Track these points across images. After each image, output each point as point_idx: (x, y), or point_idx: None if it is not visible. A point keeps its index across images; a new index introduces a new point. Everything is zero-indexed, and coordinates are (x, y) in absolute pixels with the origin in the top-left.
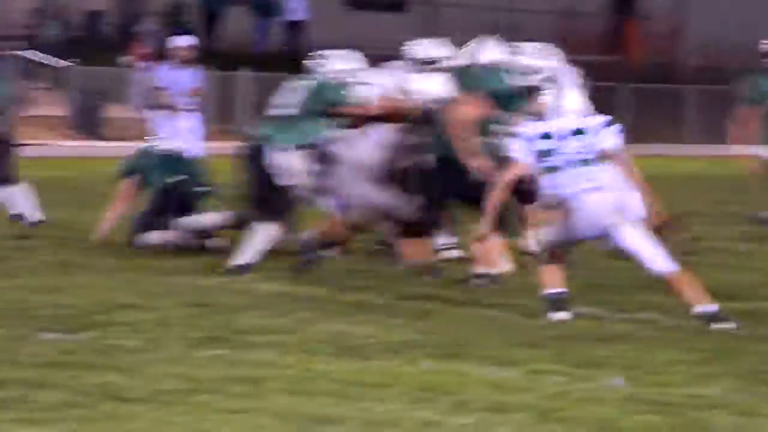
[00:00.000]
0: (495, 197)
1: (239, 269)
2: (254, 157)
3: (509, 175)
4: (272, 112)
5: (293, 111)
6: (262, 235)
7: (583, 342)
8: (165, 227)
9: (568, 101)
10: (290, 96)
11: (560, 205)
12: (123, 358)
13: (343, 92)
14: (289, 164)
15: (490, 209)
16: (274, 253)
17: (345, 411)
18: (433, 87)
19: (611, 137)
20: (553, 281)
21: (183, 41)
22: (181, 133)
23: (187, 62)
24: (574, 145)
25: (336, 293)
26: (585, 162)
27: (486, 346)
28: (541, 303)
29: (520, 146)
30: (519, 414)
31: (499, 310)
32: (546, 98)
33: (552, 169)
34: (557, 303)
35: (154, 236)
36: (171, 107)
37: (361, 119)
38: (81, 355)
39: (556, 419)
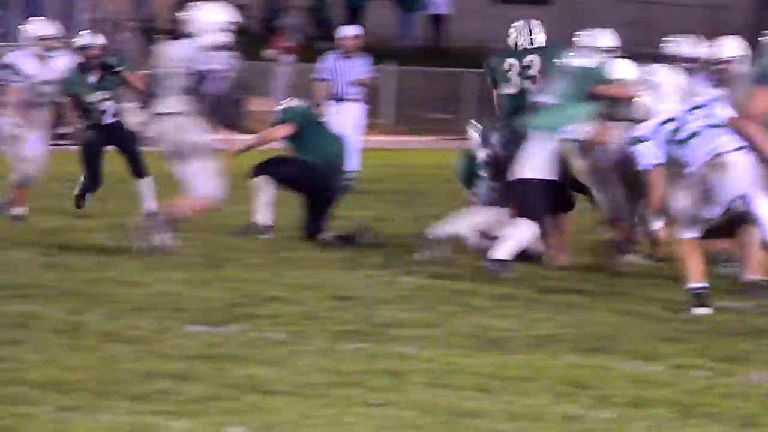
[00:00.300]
0: (658, 195)
1: (498, 265)
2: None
3: (655, 179)
4: (539, 99)
5: (558, 98)
6: (523, 232)
7: (727, 337)
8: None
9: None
10: (555, 82)
11: (696, 178)
12: (268, 351)
13: (606, 73)
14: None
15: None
16: (407, 246)
17: (487, 404)
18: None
19: (727, 108)
20: (696, 275)
21: (349, 31)
22: (345, 124)
23: (353, 52)
24: (700, 115)
25: (478, 286)
26: (716, 127)
27: (629, 340)
28: (685, 296)
29: (647, 149)
30: (661, 409)
31: (642, 303)
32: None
33: (686, 140)
34: (700, 298)
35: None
36: (335, 98)
37: (618, 100)
38: (226, 348)
39: (698, 415)
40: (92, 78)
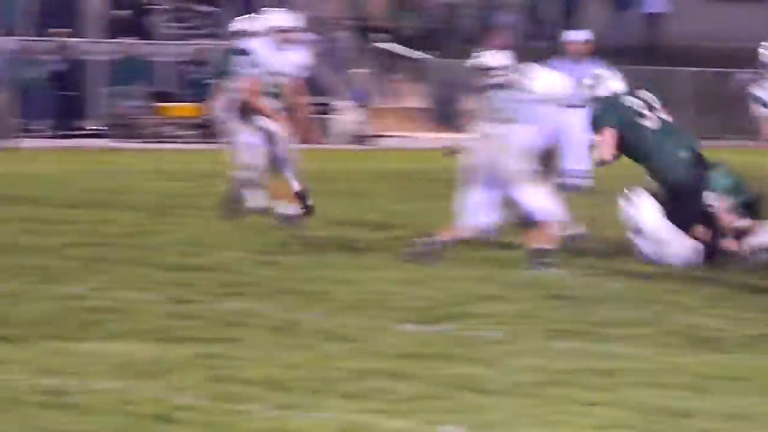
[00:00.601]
0: None
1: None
2: None
3: None
4: None
5: None
6: None
7: None
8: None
9: None
10: None
11: None
12: (481, 350)
13: None
14: None
15: None
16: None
17: (701, 404)
18: None
19: None
20: None
21: (579, 36)
22: (567, 128)
23: (580, 57)
24: None
25: (689, 286)
26: None
27: None
28: None
29: None
30: None
31: None
32: None
33: None
34: None
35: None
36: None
37: None
38: (439, 347)
39: None
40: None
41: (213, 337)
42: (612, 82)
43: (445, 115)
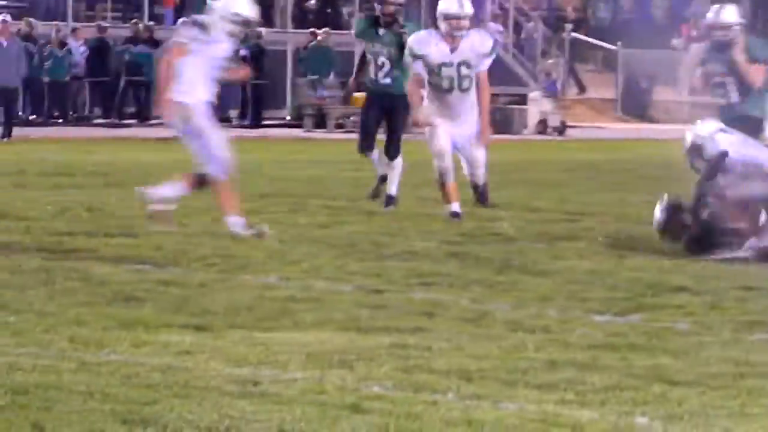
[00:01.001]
0: None
1: None
2: None
3: None
4: None
5: None
6: None
7: None
8: None
9: None
10: None
11: None
12: (673, 341)
13: None
14: None
15: None
16: None
17: None
18: None
19: None
20: None
21: None
22: None
23: None
24: None
25: None
26: None
27: None
28: None
29: None
30: None
31: None
32: None
33: None
34: None
35: None
36: None
37: None
38: (631, 338)
39: None
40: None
41: (404, 326)
42: None
43: (635, 105)
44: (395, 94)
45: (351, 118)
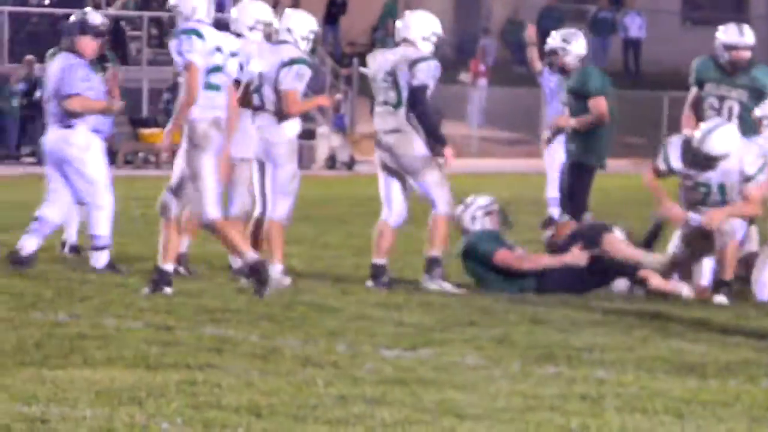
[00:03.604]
0: None
1: None
2: None
3: None
4: None
5: None
6: None
7: None
8: None
9: None
10: None
11: None
12: (462, 375)
13: None
14: None
15: None
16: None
17: (683, 430)
18: None
19: None
20: None
21: None
22: None
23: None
24: None
25: (672, 310)
26: None
27: None
28: None
29: None
30: None
31: None
32: None
33: None
34: None
35: None
36: None
37: None
38: (421, 372)
39: None
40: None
41: (193, 363)
42: None
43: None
44: None
45: (140, 154)
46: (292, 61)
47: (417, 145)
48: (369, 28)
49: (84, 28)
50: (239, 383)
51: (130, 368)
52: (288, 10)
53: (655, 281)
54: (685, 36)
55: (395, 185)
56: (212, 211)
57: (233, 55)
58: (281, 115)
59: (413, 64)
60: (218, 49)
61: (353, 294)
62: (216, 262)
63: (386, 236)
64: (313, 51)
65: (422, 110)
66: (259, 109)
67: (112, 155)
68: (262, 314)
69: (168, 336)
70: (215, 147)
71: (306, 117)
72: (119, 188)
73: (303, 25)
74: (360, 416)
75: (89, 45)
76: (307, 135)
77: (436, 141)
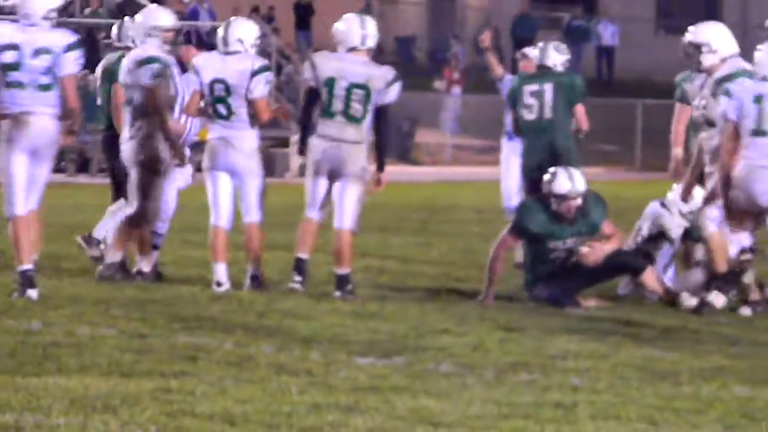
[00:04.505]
0: None
1: None
2: None
3: None
4: None
5: None
6: None
7: None
8: None
9: None
10: None
11: None
12: (436, 383)
13: None
14: None
15: None
16: None
17: None
18: None
19: None
20: None
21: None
22: None
23: None
24: None
25: (646, 318)
26: None
27: None
28: None
29: None
30: None
31: None
32: None
33: None
34: None
35: None
36: None
37: None
38: (395, 380)
39: None
40: None
41: (167, 371)
42: None
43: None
44: None
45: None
46: (262, 69)
47: (364, 156)
48: None
49: None
50: (213, 391)
51: (103, 376)
52: (231, 19)
53: (652, 283)
54: (658, 44)
55: (325, 188)
56: (10, 208)
57: (47, 51)
58: (252, 124)
59: (390, 84)
60: (12, 47)
61: (327, 302)
62: (191, 272)
63: (313, 234)
64: (287, 57)
65: (387, 128)
66: (223, 118)
67: None
68: (235, 322)
69: (142, 344)
70: (20, 143)
71: (280, 124)
72: (95, 196)
73: (251, 33)
74: (334, 424)
75: None
76: (281, 143)
77: (382, 160)
